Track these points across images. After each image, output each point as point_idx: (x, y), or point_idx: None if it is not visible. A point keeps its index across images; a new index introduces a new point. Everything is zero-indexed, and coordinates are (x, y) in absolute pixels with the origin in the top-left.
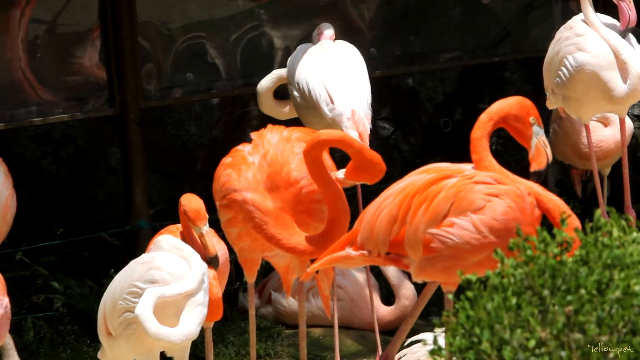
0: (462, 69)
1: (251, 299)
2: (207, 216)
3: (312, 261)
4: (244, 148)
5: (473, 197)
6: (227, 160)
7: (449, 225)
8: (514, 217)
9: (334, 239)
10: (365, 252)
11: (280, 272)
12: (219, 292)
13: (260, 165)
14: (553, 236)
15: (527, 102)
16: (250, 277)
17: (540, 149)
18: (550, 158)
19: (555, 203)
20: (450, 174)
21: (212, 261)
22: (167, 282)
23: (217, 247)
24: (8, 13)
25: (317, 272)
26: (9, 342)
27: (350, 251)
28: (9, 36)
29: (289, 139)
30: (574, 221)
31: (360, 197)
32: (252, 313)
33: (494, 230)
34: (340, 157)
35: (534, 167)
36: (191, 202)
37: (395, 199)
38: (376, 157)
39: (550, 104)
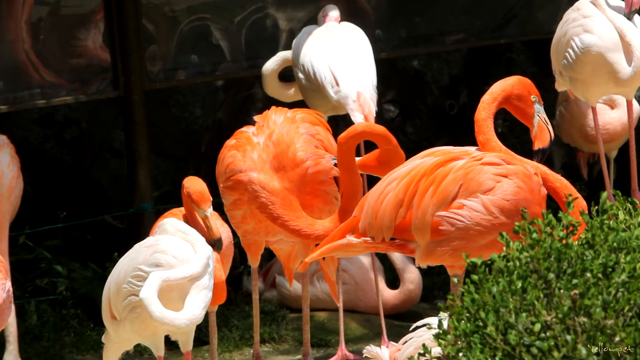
0: (468, 51)
1: (255, 283)
2: (210, 198)
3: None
4: (247, 130)
5: (482, 178)
6: (231, 142)
7: (458, 207)
8: (524, 197)
9: None
10: (368, 238)
11: (282, 260)
12: (222, 275)
13: (266, 145)
14: (559, 219)
15: (527, 81)
16: (254, 261)
17: (542, 127)
18: (553, 135)
19: (562, 182)
20: (457, 156)
21: (215, 244)
22: (171, 266)
23: (221, 230)
24: None
25: (323, 258)
26: (12, 329)
27: (351, 238)
28: (12, 18)
29: (294, 120)
30: (580, 202)
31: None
32: (255, 297)
33: (504, 211)
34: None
35: (537, 145)
36: (195, 185)
37: (401, 183)
38: (404, 155)
39: (559, 86)
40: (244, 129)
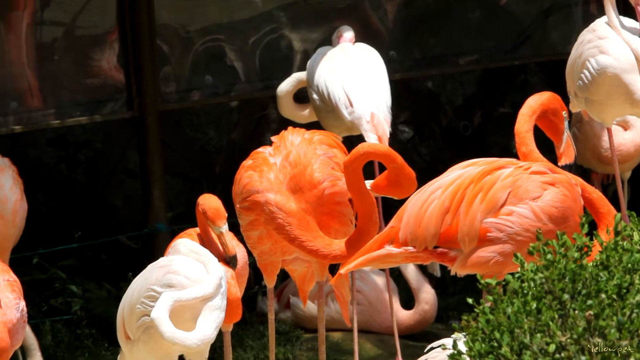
0: (482, 72)
1: (270, 303)
2: (226, 215)
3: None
4: (264, 150)
5: (530, 186)
6: (247, 162)
7: (507, 213)
8: (569, 205)
9: (359, 248)
10: (409, 248)
11: (297, 282)
12: (237, 292)
13: (283, 166)
14: (594, 236)
15: (559, 97)
16: (270, 281)
17: (569, 143)
18: (576, 152)
19: (599, 194)
20: (503, 165)
21: (230, 261)
22: (184, 286)
23: (236, 249)
24: (25, 16)
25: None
26: (33, 342)
27: (391, 249)
28: (26, 39)
29: (311, 141)
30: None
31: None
32: (271, 317)
33: (552, 218)
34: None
35: (564, 161)
36: (210, 202)
37: (447, 191)
38: (413, 173)
39: (574, 107)
40: (261, 149)
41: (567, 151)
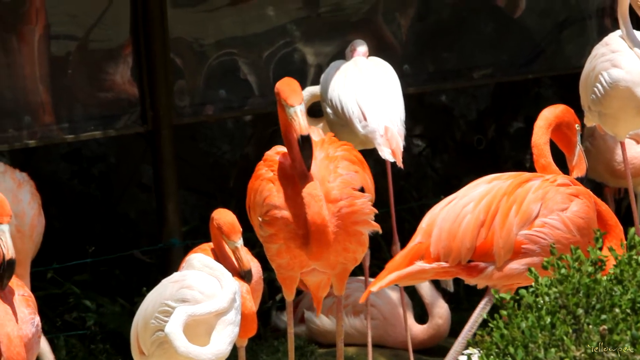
0: (496, 86)
1: (290, 316)
2: (241, 230)
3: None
4: (285, 161)
5: (559, 198)
6: (268, 174)
7: (540, 225)
8: (592, 216)
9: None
10: (442, 263)
11: (311, 289)
12: (252, 306)
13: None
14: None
15: (572, 110)
16: (289, 294)
17: (582, 156)
18: (587, 165)
19: (607, 207)
20: (530, 178)
21: (245, 275)
22: (198, 301)
23: (251, 264)
24: (38, 30)
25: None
26: (50, 356)
27: (423, 264)
28: (39, 52)
29: (334, 158)
30: (620, 233)
31: (394, 218)
32: (290, 331)
33: (580, 229)
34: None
35: (576, 174)
36: (225, 216)
37: (480, 205)
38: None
39: (588, 121)
40: (281, 158)
41: (579, 164)
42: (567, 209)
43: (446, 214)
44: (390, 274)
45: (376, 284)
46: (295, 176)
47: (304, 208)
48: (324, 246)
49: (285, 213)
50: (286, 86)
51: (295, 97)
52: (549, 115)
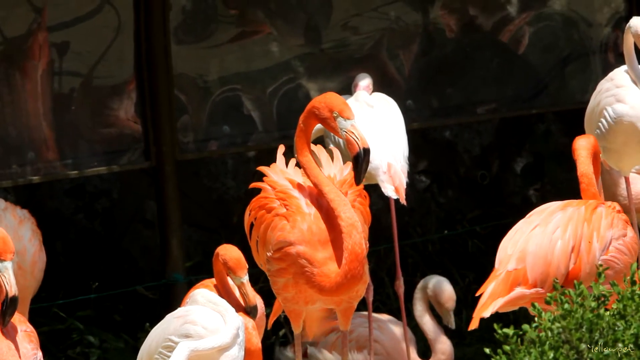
0: (500, 121)
1: (297, 348)
2: (247, 265)
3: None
4: (300, 198)
5: (621, 225)
6: (281, 209)
7: (614, 251)
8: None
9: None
10: (539, 289)
11: (305, 318)
12: (258, 342)
13: (317, 217)
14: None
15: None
16: (296, 327)
17: (601, 186)
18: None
19: None
20: (596, 204)
21: (251, 311)
22: (201, 337)
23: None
24: (41, 66)
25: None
26: None
27: (523, 290)
28: (42, 88)
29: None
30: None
31: (397, 248)
32: None
33: (633, 253)
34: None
35: None
36: (231, 252)
37: (567, 231)
38: None
39: None
40: (296, 194)
41: (601, 192)
42: (626, 234)
43: (538, 240)
44: (496, 301)
45: (486, 310)
46: (320, 201)
47: (341, 236)
48: (357, 278)
49: (301, 248)
50: (337, 99)
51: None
52: (587, 145)
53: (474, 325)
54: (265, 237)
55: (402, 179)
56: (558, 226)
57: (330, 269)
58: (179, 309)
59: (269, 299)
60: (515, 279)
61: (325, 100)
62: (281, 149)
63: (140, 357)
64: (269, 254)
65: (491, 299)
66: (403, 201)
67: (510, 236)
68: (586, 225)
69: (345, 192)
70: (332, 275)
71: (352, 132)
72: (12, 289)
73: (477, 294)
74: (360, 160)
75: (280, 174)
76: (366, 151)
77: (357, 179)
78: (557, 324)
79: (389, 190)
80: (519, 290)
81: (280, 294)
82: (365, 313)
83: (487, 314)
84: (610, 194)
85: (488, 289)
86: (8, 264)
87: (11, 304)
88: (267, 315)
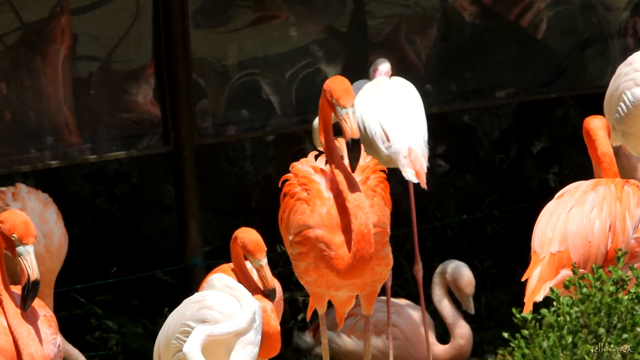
0: (518, 105)
1: (323, 328)
2: (265, 248)
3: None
4: (320, 181)
5: None
6: (302, 194)
7: None
8: None
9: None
10: (582, 270)
11: (335, 305)
12: (277, 325)
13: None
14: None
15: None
16: (320, 309)
17: None
18: None
19: None
20: (623, 182)
21: (270, 294)
22: (217, 322)
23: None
24: (62, 50)
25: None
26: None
27: (569, 272)
28: (62, 73)
29: (373, 190)
30: None
31: (416, 236)
32: (324, 342)
33: None
34: None
35: None
36: (250, 235)
37: (603, 211)
38: None
39: (614, 141)
40: (317, 178)
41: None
42: None
43: (577, 221)
44: (545, 284)
45: (538, 294)
46: (335, 186)
47: (349, 218)
48: (366, 258)
49: (319, 232)
50: (339, 85)
51: (348, 98)
52: (603, 125)
53: (527, 310)
54: (288, 221)
55: (423, 163)
56: (594, 205)
57: (346, 252)
58: (196, 294)
59: (287, 283)
60: (560, 261)
61: (328, 84)
62: (312, 155)
63: (158, 342)
64: (290, 237)
65: (540, 283)
66: (424, 185)
67: (547, 219)
68: (618, 204)
69: (367, 177)
70: (345, 258)
71: (345, 121)
72: (33, 272)
73: (522, 279)
74: (348, 149)
75: (305, 163)
76: (355, 141)
77: (352, 165)
78: (576, 309)
79: (409, 175)
80: (564, 272)
81: (302, 278)
82: (384, 298)
83: (539, 297)
84: (628, 178)
85: (534, 273)
86: (30, 248)
87: (32, 288)
88: (286, 300)
